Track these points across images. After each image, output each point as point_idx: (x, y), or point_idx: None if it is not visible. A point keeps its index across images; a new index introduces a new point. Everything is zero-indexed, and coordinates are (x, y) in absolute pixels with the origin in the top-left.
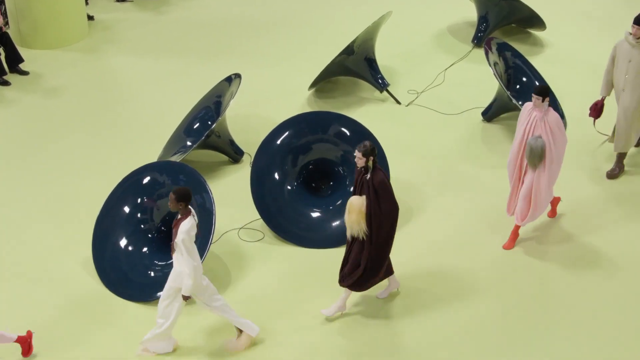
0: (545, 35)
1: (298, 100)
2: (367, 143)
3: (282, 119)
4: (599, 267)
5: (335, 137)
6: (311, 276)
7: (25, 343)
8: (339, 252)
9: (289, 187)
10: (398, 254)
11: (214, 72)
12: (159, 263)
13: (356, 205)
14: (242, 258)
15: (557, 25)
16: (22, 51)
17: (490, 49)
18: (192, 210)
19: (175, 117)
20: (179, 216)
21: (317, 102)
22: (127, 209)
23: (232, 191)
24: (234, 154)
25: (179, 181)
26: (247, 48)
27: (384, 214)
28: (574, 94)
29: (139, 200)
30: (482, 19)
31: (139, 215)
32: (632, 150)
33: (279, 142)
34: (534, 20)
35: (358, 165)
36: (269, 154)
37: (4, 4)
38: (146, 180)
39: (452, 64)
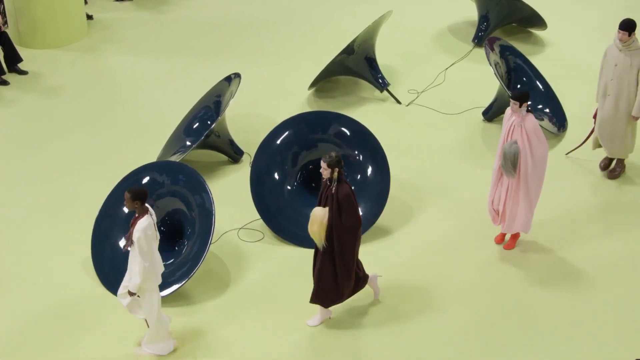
0: (546, 34)
1: (298, 100)
2: (333, 154)
3: (282, 118)
4: (602, 267)
5: (335, 137)
6: (311, 276)
7: None
8: None
9: (288, 187)
10: (398, 254)
11: (214, 71)
12: None
13: (318, 217)
14: (242, 258)
15: (558, 25)
16: (21, 50)
17: (492, 48)
18: (150, 209)
19: (174, 116)
20: (136, 214)
21: (317, 102)
22: (126, 209)
23: (231, 191)
24: (234, 154)
25: (179, 181)
26: (247, 47)
27: (345, 228)
28: (575, 94)
29: None
30: (483, 18)
31: None
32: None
33: (278, 142)
34: (535, 20)
35: (324, 176)
36: (269, 154)
37: (3, 4)
38: (145, 180)
39: (452, 64)
